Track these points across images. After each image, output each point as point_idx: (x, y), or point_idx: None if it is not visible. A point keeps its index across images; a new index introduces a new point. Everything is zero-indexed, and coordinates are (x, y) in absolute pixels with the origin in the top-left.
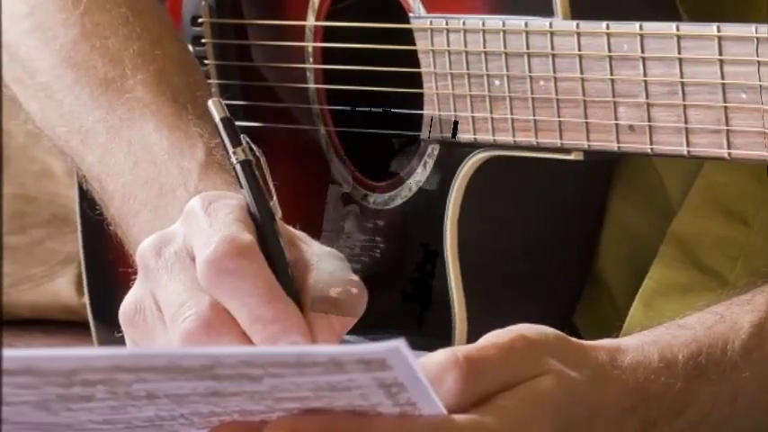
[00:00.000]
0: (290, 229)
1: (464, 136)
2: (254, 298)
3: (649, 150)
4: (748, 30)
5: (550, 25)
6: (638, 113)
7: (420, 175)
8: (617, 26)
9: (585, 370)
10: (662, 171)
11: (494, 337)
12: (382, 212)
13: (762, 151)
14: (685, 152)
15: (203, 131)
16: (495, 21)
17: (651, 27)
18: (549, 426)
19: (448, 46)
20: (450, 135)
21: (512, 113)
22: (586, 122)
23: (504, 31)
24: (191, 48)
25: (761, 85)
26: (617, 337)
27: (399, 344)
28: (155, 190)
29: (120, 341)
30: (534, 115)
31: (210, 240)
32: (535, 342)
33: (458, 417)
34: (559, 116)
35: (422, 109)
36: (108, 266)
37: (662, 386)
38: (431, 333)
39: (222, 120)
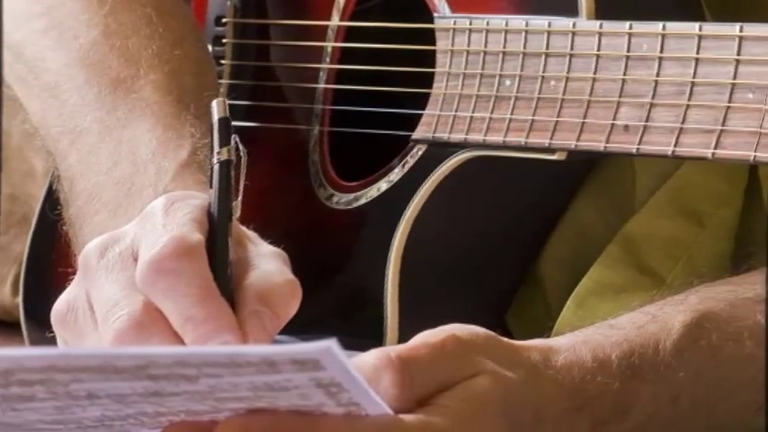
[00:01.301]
0: (242, 228)
1: (455, 136)
2: (188, 297)
3: (634, 151)
4: None
5: (573, 25)
6: (637, 113)
7: (395, 175)
8: (640, 26)
9: (520, 370)
10: (638, 171)
11: (425, 337)
12: (341, 213)
13: (747, 151)
14: (669, 152)
15: (196, 131)
16: (518, 21)
17: (674, 27)
18: (498, 426)
19: (468, 46)
20: (441, 134)
21: (512, 113)
22: (583, 122)
23: (527, 32)
24: (210, 47)
25: None
26: (548, 337)
27: (331, 344)
28: (123, 190)
29: (52, 341)
30: (533, 115)
31: (159, 240)
32: (466, 342)
33: (405, 417)
34: (558, 116)
35: (425, 109)
36: (48, 266)
37: (599, 386)
38: (363, 333)
39: (220, 120)
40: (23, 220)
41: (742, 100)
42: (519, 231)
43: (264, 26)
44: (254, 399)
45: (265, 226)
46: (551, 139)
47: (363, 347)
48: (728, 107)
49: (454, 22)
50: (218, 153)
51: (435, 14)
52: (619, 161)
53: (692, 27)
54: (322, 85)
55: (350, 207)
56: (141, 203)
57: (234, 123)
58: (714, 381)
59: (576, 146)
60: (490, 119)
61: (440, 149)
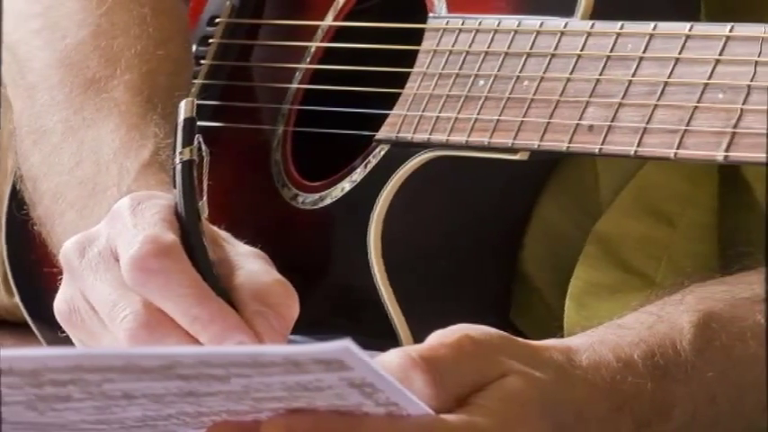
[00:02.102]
0: (215, 228)
1: (419, 136)
2: (185, 298)
3: (597, 151)
4: (758, 30)
5: (565, 26)
6: (604, 113)
7: (357, 175)
8: (631, 26)
9: (548, 370)
10: (600, 171)
11: (440, 338)
12: (308, 213)
13: (710, 151)
14: (632, 153)
15: (160, 131)
16: (511, 21)
17: (664, 27)
18: (541, 426)
19: (453, 46)
20: (405, 135)
21: (478, 114)
22: (548, 122)
23: (516, 32)
24: (195, 47)
25: (749, 85)
26: (561, 337)
27: (348, 343)
28: (87, 190)
29: (67, 341)
30: (500, 115)
31: (134, 240)
32: (482, 342)
33: (449, 417)
34: (525, 116)
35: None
36: (32, 267)
37: (633, 386)
38: (369, 332)
39: (185, 120)
40: None
41: (711, 100)
42: (489, 231)
43: (255, 27)
44: (291, 399)
45: (233, 227)
46: (515, 139)
47: (375, 347)
48: (696, 107)
49: (447, 23)
50: (180, 153)
51: (430, 14)
52: (580, 161)
53: (683, 27)
54: (294, 85)
55: (316, 207)
56: (107, 203)
57: (199, 123)
58: (735, 381)
59: (538, 146)
60: (456, 119)
61: (402, 150)
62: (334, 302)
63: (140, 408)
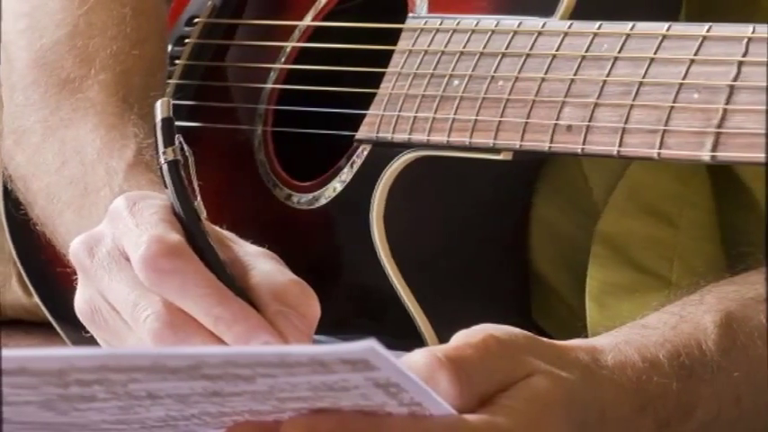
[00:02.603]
0: (218, 229)
1: (399, 136)
2: (205, 298)
3: (579, 151)
4: (734, 30)
5: (543, 26)
6: (581, 113)
7: (345, 175)
8: (608, 26)
9: (574, 370)
10: (587, 172)
11: (465, 338)
12: (306, 213)
13: (692, 151)
14: (615, 152)
15: (140, 131)
16: (489, 21)
17: (642, 27)
18: (564, 426)
19: (429, 46)
20: (384, 135)
21: (455, 113)
22: (526, 122)
23: (494, 32)
24: (171, 47)
25: (733, 85)
26: (585, 337)
27: (373, 343)
28: (79, 190)
29: (92, 340)
30: (476, 115)
31: (140, 240)
32: (507, 342)
33: (471, 417)
34: (501, 116)
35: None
36: (45, 267)
37: (658, 386)
38: (395, 333)
39: (163, 120)
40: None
41: (686, 100)
42: (491, 230)
43: (233, 26)
44: (315, 399)
45: (233, 228)
46: (495, 139)
47: (398, 347)
48: (672, 107)
49: (425, 23)
50: (164, 153)
51: (410, 14)
52: (566, 161)
53: (661, 27)
54: (268, 86)
55: (312, 207)
56: (103, 203)
57: (177, 123)
58: (755, 381)
59: (520, 146)
60: (433, 119)
61: (384, 149)
62: (355, 303)
63: (164, 408)
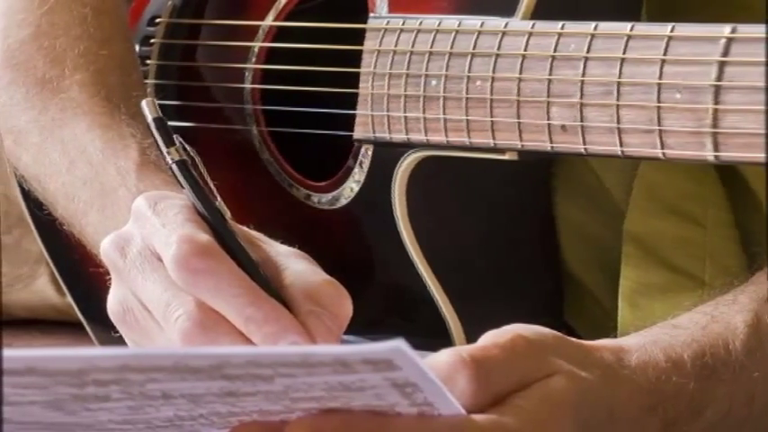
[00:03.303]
0: (246, 229)
1: (397, 136)
2: (238, 298)
3: (583, 150)
4: (701, 30)
5: (505, 26)
6: (570, 113)
7: (358, 175)
8: (572, 26)
9: (595, 370)
10: (599, 172)
11: (493, 337)
12: (329, 213)
13: (697, 151)
14: (619, 152)
15: (135, 131)
16: (451, 21)
17: (605, 27)
18: (569, 426)
19: (395, 46)
20: (382, 135)
21: (444, 113)
22: (518, 122)
23: (457, 32)
24: (138, 47)
25: (718, 85)
26: (614, 337)
27: (400, 344)
28: (96, 190)
29: (120, 341)
30: (467, 115)
31: (170, 240)
32: (535, 342)
33: (478, 417)
34: (492, 116)
35: (355, 109)
36: (77, 267)
37: (675, 386)
38: (424, 332)
39: (155, 120)
40: (23, 217)
41: (671, 100)
42: (516, 230)
43: (196, 26)
44: (328, 399)
45: (259, 228)
46: (493, 139)
47: (428, 347)
48: (659, 107)
49: (387, 23)
50: (168, 153)
51: (371, 15)
52: (575, 163)
53: (624, 27)
54: (249, 86)
55: (334, 207)
56: (123, 203)
57: (171, 123)
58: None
59: (522, 146)
60: (425, 119)
61: (388, 149)
62: (386, 302)
63: (174, 408)
